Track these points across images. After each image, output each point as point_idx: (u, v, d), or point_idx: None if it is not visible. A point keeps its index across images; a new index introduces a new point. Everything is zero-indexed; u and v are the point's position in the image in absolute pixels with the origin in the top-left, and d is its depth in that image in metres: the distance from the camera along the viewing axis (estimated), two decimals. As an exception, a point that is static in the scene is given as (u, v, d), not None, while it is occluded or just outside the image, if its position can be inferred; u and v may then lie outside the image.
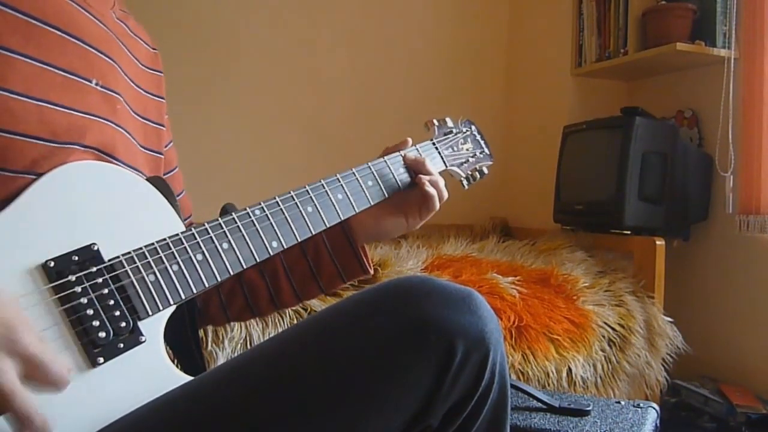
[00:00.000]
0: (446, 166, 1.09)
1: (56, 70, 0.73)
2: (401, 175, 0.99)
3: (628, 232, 2.25)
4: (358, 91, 2.87)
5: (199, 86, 2.53)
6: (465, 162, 1.12)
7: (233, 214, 0.80)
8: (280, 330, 1.51)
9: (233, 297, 1.01)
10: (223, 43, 2.63)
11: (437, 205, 1.00)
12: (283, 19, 2.74)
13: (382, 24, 2.92)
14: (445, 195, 1.01)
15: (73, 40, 0.76)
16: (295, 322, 1.53)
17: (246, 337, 1.48)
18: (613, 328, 1.94)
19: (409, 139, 1.04)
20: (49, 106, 0.71)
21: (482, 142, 1.17)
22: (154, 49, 0.98)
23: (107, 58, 0.81)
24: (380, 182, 0.96)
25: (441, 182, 1.01)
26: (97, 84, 0.78)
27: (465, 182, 1.13)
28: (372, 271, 1.03)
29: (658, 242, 2.14)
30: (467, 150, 1.13)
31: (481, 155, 1.15)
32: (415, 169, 1.00)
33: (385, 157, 0.99)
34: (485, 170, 1.16)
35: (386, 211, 1.01)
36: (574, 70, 2.75)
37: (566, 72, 2.78)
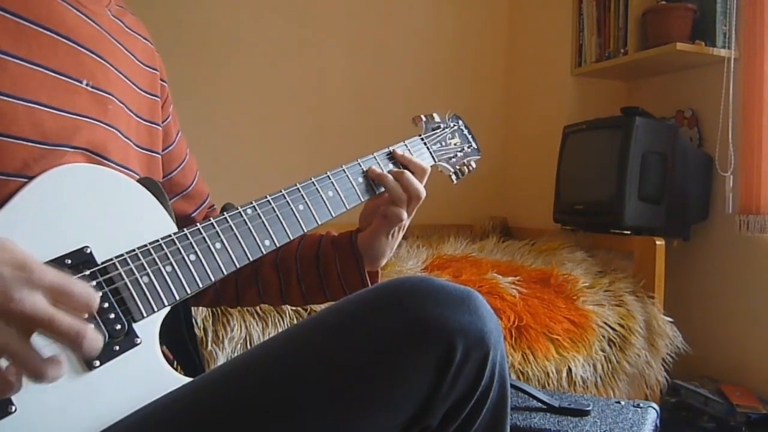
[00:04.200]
0: (435, 161, 1.08)
1: (47, 71, 0.73)
2: (390, 171, 0.98)
3: (628, 232, 2.25)
4: (358, 91, 2.87)
5: (199, 85, 2.52)
6: (453, 157, 1.12)
7: (225, 214, 0.80)
8: (280, 330, 1.51)
9: (247, 287, 1.03)
10: (222, 40, 2.63)
11: (402, 198, 0.95)
12: (284, 18, 2.74)
13: (383, 23, 2.92)
14: (418, 189, 0.96)
15: (63, 40, 0.76)
16: (295, 322, 1.53)
17: (246, 337, 1.48)
18: (613, 328, 1.94)
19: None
20: (40, 107, 0.71)
21: (470, 137, 1.17)
22: (151, 43, 0.97)
23: (99, 58, 0.80)
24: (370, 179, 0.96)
25: (415, 180, 0.97)
26: (87, 85, 0.77)
27: (453, 177, 1.14)
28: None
29: (658, 242, 2.13)
30: (455, 145, 1.13)
31: (469, 150, 1.15)
32: (403, 163, 1.00)
33: (374, 154, 0.98)
34: (473, 165, 1.16)
35: (381, 226, 0.99)
36: (574, 70, 2.75)
37: (566, 72, 2.78)
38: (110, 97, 0.81)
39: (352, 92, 2.86)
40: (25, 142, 0.69)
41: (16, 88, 0.69)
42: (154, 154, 0.92)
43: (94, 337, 0.57)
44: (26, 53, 0.71)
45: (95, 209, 0.72)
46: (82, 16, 0.80)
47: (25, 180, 0.68)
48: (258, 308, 1.53)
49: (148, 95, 0.93)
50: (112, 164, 0.79)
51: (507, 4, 3.16)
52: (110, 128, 0.80)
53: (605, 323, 1.93)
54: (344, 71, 2.85)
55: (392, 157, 1.00)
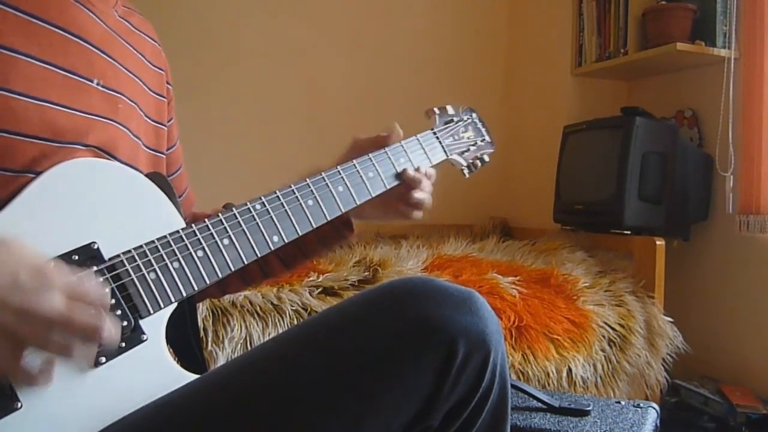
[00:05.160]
0: (447, 156, 1.08)
1: (58, 70, 0.73)
2: (402, 166, 0.98)
3: (628, 232, 2.25)
4: (359, 90, 2.87)
5: (200, 84, 2.52)
6: (466, 151, 1.11)
7: (234, 209, 0.79)
8: (280, 330, 1.51)
9: (229, 276, 1.02)
10: (223, 41, 2.63)
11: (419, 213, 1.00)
12: (284, 17, 2.74)
13: (383, 23, 2.92)
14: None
15: (74, 39, 0.76)
16: (295, 322, 1.53)
17: (246, 337, 1.48)
18: (613, 328, 1.94)
19: (398, 128, 1.01)
20: (51, 105, 0.71)
21: (483, 130, 1.15)
22: (158, 44, 0.98)
23: (109, 58, 0.81)
24: (381, 174, 0.95)
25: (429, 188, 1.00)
26: (98, 84, 0.78)
27: (466, 171, 1.12)
28: (354, 231, 1.01)
29: (658, 242, 2.13)
30: (468, 138, 1.12)
31: (483, 143, 1.14)
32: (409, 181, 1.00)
33: (387, 149, 0.98)
34: (486, 158, 1.15)
35: (388, 214, 1.01)
36: (574, 70, 2.75)
37: (566, 72, 2.78)
38: (121, 96, 0.81)
39: (353, 92, 2.86)
40: (35, 140, 0.69)
41: (28, 87, 0.69)
42: (160, 155, 0.93)
43: (112, 329, 0.59)
44: (37, 51, 0.71)
45: (103, 204, 0.72)
46: (93, 16, 0.80)
47: (33, 176, 0.68)
48: (258, 308, 1.53)
49: (156, 95, 0.93)
50: (121, 163, 0.79)
51: (507, 4, 3.16)
52: (121, 127, 0.80)
53: (605, 323, 1.93)
54: (345, 71, 2.86)
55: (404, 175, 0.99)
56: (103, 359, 0.66)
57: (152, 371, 0.70)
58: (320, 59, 2.81)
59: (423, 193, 0.99)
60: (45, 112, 0.70)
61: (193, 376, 0.72)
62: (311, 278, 1.69)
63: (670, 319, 2.07)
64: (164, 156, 0.94)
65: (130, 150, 0.82)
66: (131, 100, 0.84)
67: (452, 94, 2.98)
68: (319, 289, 1.65)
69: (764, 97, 2.20)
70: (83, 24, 0.78)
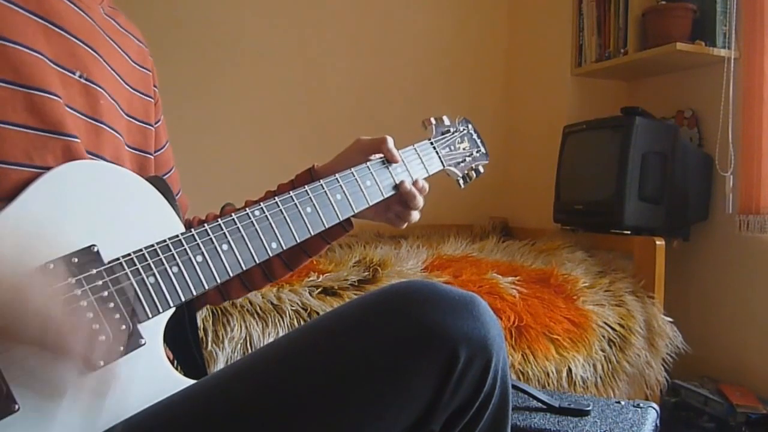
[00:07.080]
0: (444, 166, 1.09)
1: (44, 58, 0.72)
2: (399, 176, 1.00)
3: (628, 232, 2.25)
4: (358, 91, 2.87)
5: (199, 85, 2.52)
6: (462, 161, 1.13)
7: (233, 215, 0.80)
8: (280, 330, 1.51)
9: (230, 280, 1.01)
10: (222, 41, 2.63)
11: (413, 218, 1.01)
12: (283, 18, 2.74)
13: (382, 24, 2.92)
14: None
15: (54, 29, 0.75)
16: (295, 322, 1.53)
17: (246, 337, 1.48)
18: (613, 328, 1.94)
19: (388, 137, 1.00)
20: (39, 93, 0.70)
21: (478, 141, 1.17)
22: (145, 45, 0.97)
23: (91, 51, 0.79)
24: (378, 183, 0.96)
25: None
26: (80, 76, 0.76)
27: (461, 182, 1.14)
28: (353, 225, 1.01)
29: (658, 242, 2.13)
30: (464, 149, 1.13)
31: (478, 154, 1.16)
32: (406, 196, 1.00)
33: (380, 157, 0.99)
34: (481, 169, 1.17)
35: (381, 217, 1.02)
36: (574, 70, 2.75)
37: (566, 72, 2.78)
38: (102, 91, 0.80)
39: (353, 93, 2.86)
40: (24, 129, 0.68)
41: (15, 75, 0.68)
42: (146, 155, 0.92)
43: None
44: (24, 39, 0.70)
45: (103, 207, 0.72)
46: (74, 7, 0.79)
47: (27, 169, 0.68)
48: (258, 308, 1.53)
49: (141, 95, 0.92)
50: (105, 161, 0.78)
51: (507, 4, 3.16)
52: (101, 124, 0.79)
53: (605, 323, 1.93)
54: (344, 72, 2.85)
55: (392, 162, 0.99)
56: (101, 362, 0.66)
57: (150, 375, 0.70)
58: (320, 59, 2.81)
59: (414, 209, 1.00)
60: (33, 101, 0.69)
61: (191, 381, 0.72)
62: (311, 278, 1.69)
63: (670, 319, 2.07)
64: (151, 157, 0.93)
65: (114, 147, 0.81)
66: (112, 97, 0.82)
67: (452, 94, 2.98)
68: (319, 289, 1.65)
69: (764, 97, 2.20)
70: (64, 14, 0.76)
